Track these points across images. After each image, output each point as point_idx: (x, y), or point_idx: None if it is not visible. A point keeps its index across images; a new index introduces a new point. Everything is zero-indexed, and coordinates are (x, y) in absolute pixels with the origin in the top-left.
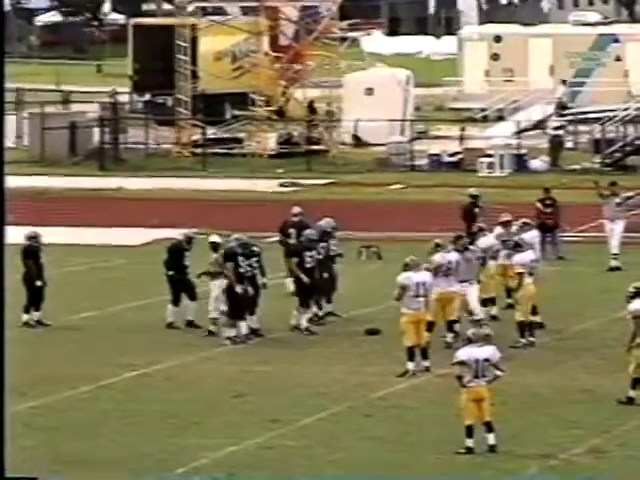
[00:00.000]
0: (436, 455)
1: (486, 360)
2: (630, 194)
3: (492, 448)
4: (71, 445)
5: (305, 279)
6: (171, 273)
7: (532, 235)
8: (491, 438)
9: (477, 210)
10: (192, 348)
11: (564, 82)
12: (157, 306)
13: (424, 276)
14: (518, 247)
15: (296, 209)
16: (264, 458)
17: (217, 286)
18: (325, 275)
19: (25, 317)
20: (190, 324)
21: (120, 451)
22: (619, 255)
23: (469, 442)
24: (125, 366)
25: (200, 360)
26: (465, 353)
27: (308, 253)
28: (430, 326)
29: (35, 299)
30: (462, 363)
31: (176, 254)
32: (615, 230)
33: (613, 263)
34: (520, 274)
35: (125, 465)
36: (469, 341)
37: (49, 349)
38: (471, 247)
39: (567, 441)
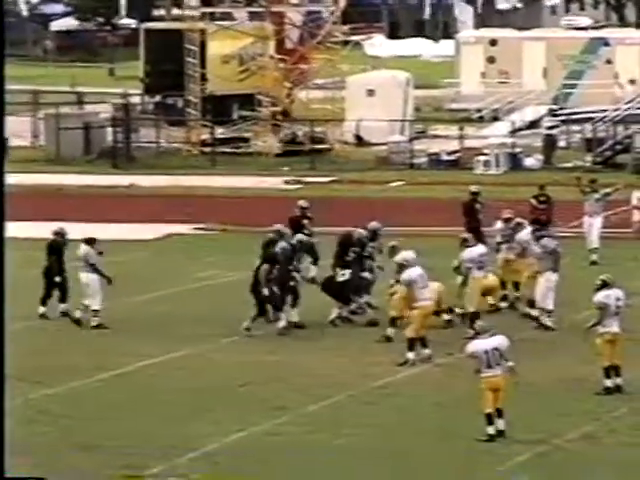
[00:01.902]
0: (435, 441)
1: (495, 349)
2: (608, 190)
3: (501, 433)
4: (85, 431)
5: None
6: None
7: (525, 233)
8: (501, 424)
9: (478, 206)
10: (202, 339)
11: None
12: (169, 298)
13: (420, 270)
14: (465, 242)
15: (300, 202)
16: (270, 444)
17: (90, 279)
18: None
19: (42, 309)
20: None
21: (133, 437)
22: (598, 249)
23: (490, 429)
24: (138, 356)
25: (209, 350)
26: (473, 346)
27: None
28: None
29: (55, 292)
30: (472, 356)
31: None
32: (594, 225)
33: (593, 257)
34: (468, 268)
35: (138, 450)
36: (476, 334)
37: (65, 339)
38: (543, 240)
39: (560, 428)
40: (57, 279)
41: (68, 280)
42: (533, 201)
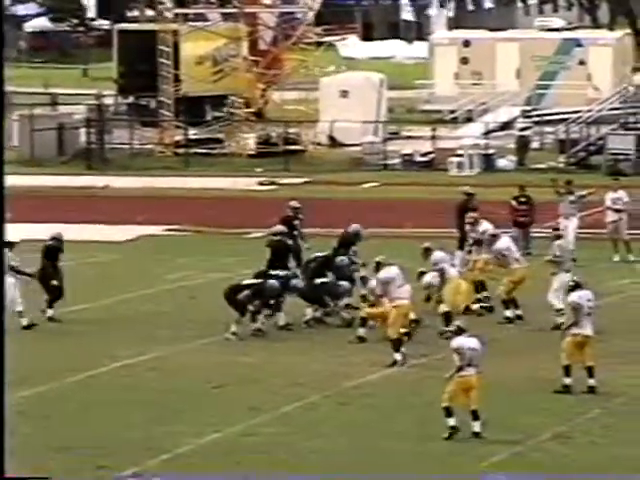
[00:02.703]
0: (409, 441)
1: (474, 349)
2: (583, 193)
3: (477, 435)
4: (60, 433)
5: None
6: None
7: (502, 243)
8: (477, 426)
9: (471, 207)
10: (176, 340)
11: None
12: (143, 299)
13: (397, 269)
14: (428, 251)
15: (292, 203)
16: (245, 445)
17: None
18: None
19: (50, 312)
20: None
21: (107, 438)
22: (574, 251)
23: (451, 421)
24: (112, 357)
25: (184, 352)
26: (459, 342)
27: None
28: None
29: (53, 296)
30: (457, 351)
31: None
32: (569, 227)
33: None
34: (441, 270)
35: (112, 451)
36: (460, 331)
37: (40, 341)
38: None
39: (534, 428)
40: (54, 282)
41: (63, 287)
42: (513, 202)
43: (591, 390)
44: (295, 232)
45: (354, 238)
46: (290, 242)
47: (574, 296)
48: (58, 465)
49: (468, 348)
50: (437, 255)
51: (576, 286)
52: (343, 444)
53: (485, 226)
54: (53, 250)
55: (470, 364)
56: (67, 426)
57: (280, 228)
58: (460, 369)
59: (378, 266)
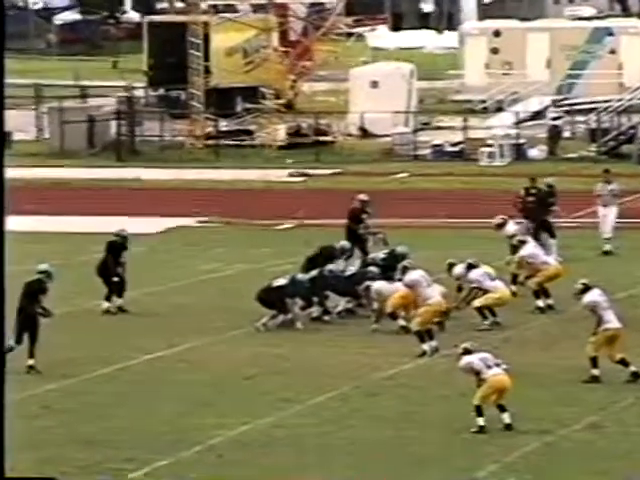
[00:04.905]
0: (440, 432)
1: (483, 359)
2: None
3: (508, 426)
4: (89, 426)
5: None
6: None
7: (529, 249)
8: (507, 417)
9: (551, 200)
10: (206, 332)
11: None
12: (173, 292)
13: (421, 271)
14: (472, 267)
15: (361, 196)
16: (276, 436)
17: None
18: None
19: (105, 305)
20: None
21: (137, 431)
22: (612, 239)
23: (481, 421)
24: (141, 349)
25: (213, 343)
26: (465, 360)
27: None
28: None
29: (116, 289)
30: (467, 368)
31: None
32: (608, 216)
33: (607, 247)
34: (479, 285)
35: (143, 444)
36: (467, 352)
37: (69, 334)
38: None
39: (566, 418)
40: (115, 279)
41: (125, 278)
42: (521, 192)
43: (636, 376)
44: (362, 225)
45: (393, 259)
46: (359, 233)
47: (588, 297)
48: (87, 458)
49: (478, 358)
50: (475, 274)
51: (586, 289)
52: (372, 435)
53: (510, 227)
54: (117, 246)
55: (489, 366)
56: (96, 419)
57: (345, 244)
58: (479, 373)
59: (404, 270)
